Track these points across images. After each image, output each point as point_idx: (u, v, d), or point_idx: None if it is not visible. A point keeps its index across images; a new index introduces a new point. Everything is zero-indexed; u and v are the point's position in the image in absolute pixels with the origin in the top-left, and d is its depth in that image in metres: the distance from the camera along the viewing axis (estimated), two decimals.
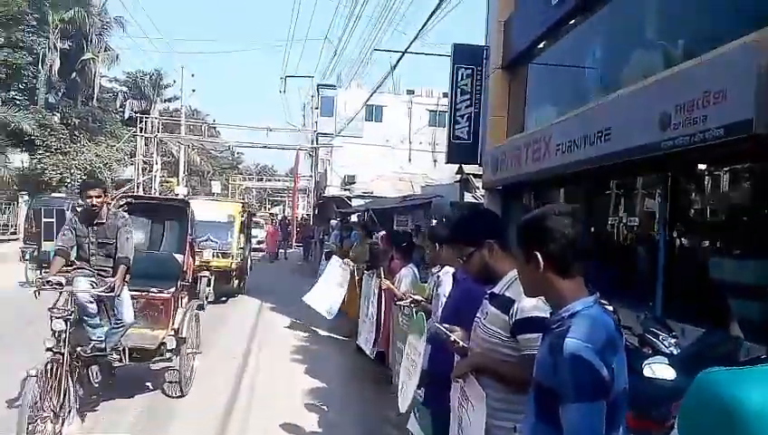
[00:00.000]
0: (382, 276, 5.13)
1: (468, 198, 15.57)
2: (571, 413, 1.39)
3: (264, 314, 11.02)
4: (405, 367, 2.97)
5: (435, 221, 14.83)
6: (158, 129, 30.41)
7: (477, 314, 2.20)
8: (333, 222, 16.37)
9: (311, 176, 33.50)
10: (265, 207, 65.43)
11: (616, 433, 1.46)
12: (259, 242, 23.24)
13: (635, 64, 7.54)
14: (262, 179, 67.75)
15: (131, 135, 29.42)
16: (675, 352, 3.64)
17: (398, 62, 14.37)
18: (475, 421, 1.97)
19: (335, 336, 8.71)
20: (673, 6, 7.19)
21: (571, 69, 9.52)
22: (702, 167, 6.51)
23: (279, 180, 66.14)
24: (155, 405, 5.35)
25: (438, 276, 3.11)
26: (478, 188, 15.71)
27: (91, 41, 29.17)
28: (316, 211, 31.29)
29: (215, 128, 38.83)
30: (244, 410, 5.38)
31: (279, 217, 40.30)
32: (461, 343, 2.17)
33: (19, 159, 25.37)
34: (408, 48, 12.52)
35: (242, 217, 12.90)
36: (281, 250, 24.92)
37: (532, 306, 1.98)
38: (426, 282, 4.36)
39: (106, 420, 4.85)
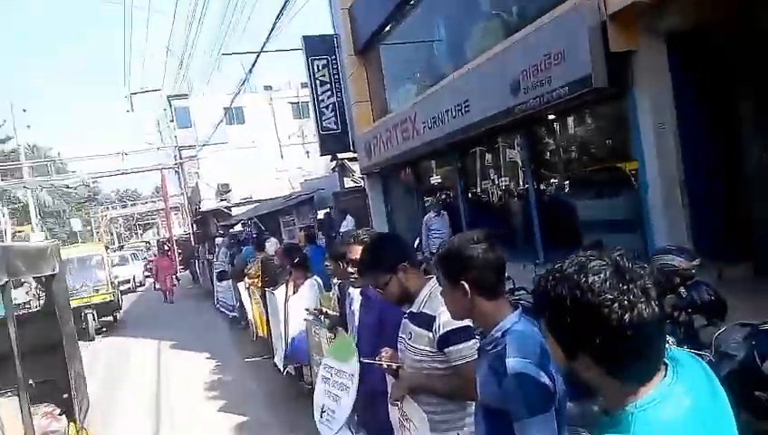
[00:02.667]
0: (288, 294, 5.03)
1: (348, 183, 15.67)
2: (527, 429, 1.45)
3: (169, 352, 10.39)
4: (326, 391, 2.94)
5: (323, 213, 14.83)
6: None
7: (400, 335, 2.25)
8: (219, 240, 15.70)
9: (181, 193, 31.80)
10: (137, 235, 61.33)
11: (565, 433, 1.55)
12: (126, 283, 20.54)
13: (478, 36, 7.96)
14: (126, 205, 63.18)
15: None
16: None
17: (253, 64, 13.96)
18: None
19: (249, 359, 8.44)
20: None
21: (422, 46, 9.83)
22: (549, 118, 7.04)
23: (146, 202, 62.08)
24: None
25: (349, 293, 3.11)
26: (355, 172, 15.88)
27: None
28: (194, 228, 29.82)
29: (62, 162, 35.38)
30: None
31: (156, 242, 37.89)
32: (393, 364, 2.21)
33: None
34: (262, 48, 12.18)
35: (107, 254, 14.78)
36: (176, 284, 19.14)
37: (452, 319, 2.05)
38: (329, 290, 4.35)
39: None
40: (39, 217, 33.05)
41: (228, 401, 6.69)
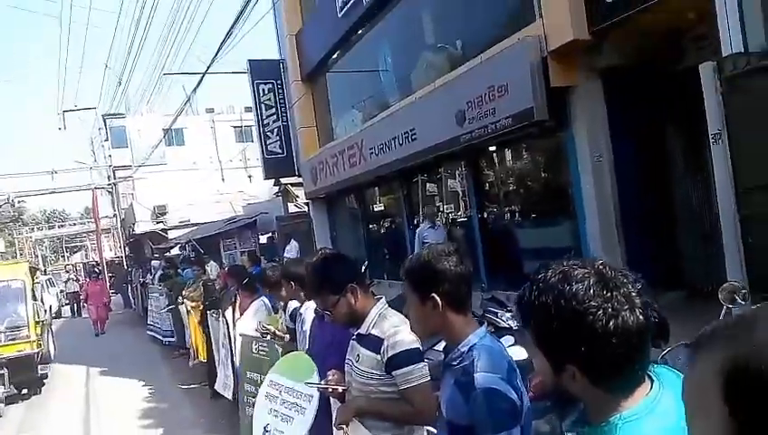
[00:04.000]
0: (230, 318, 4.88)
1: (292, 208, 15.53)
2: None
3: (99, 379, 9.80)
4: (272, 409, 2.81)
5: (266, 237, 14.57)
6: None
7: (348, 357, 2.22)
8: (155, 263, 15.11)
9: (114, 214, 30.47)
10: (64, 257, 58.09)
11: None
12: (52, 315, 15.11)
13: (423, 66, 8.18)
14: (53, 226, 59.85)
15: None
16: (514, 326, 4.04)
17: (197, 85, 13.80)
18: None
19: (183, 387, 8.09)
20: (444, 10, 7.90)
21: (368, 75, 9.98)
22: (492, 149, 7.29)
23: (75, 223, 59.07)
24: None
25: (300, 314, 3.06)
26: (299, 197, 15.77)
27: None
28: (127, 251, 28.57)
29: None
30: None
31: (83, 265, 35.96)
32: (339, 388, 2.18)
33: None
34: (207, 70, 12.01)
35: (32, 280, 9.89)
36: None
37: (401, 341, 2.06)
38: (277, 312, 4.27)
39: None
40: None
41: (164, 429, 6.38)
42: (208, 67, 12.58)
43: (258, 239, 15.17)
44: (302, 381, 2.60)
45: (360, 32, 9.59)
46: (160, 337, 11.13)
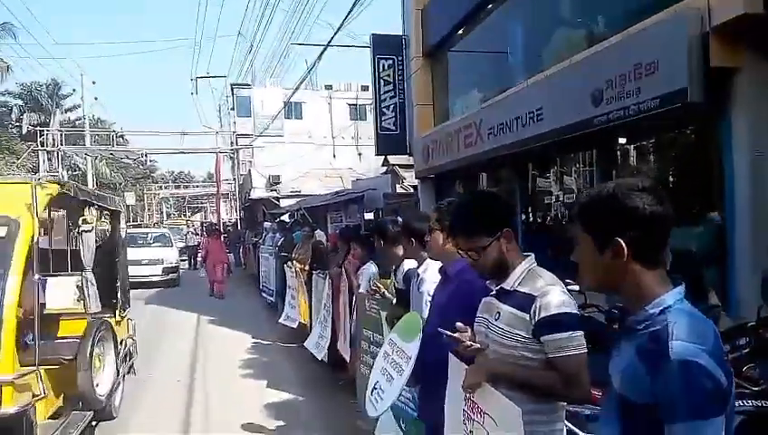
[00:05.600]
0: (349, 275, 4.84)
1: (398, 190, 15.50)
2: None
3: (204, 327, 10.43)
4: (381, 367, 2.69)
5: (371, 214, 14.69)
6: (61, 141, 28.25)
7: (480, 314, 2.00)
8: (267, 224, 15.80)
9: (233, 179, 32.37)
10: (185, 216, 62.92)
11: None
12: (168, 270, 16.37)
13: (558, 43, 7.67)
14: (179, 187, 64.94)
15: (31, 150, 27.16)
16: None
17: (319, 57, 14.06)
18: None
19: (283, 344, 8.35)
20: None
21: (493, 53, 9.58)
22: (623, 141, 6.69)
23: (198, 186, 63.66)
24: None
25: (418, 274, 2.90)
26: (405, 179, 15.71)
27: None
28: (242, 215, 30.26)
29: (123, 136, 36.60)
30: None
31: (203, 224, 38.58)
32: (475, 345, 1.95)
33: None
34: (329, 42, 12.19)
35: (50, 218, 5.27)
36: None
37: (559, 302, 1.79)
38: (388, 277, 4.16)
39: None
40: (96, 186, 34.24)
41: (262, 380, 6.60)
42: (331, 39, 12.80)
43: (364, 215, 15.32)
44: (409, 341, 2.45)
45: (489, 6, 9.19)
46: (267, 296, 11.61)
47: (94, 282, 4.51)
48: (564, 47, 7.30)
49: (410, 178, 14.50)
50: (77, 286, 4.15)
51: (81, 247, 4.65)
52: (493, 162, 8.98)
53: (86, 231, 4.62)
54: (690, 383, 1.15)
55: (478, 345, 1.91)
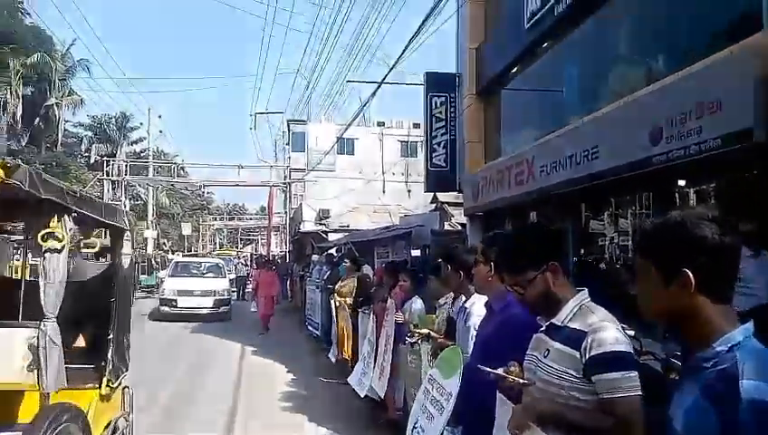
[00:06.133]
0: (393, 307, 4.75)
1: (446, 227, 15.39)
2: None
3: (248, 357, 10.49)
4: (424, 406, 2.60)
5: (418, 251, 14.61)
6: (126, 171, 29.72)
7: (531, 352, 1.89)
8: (315, 257, 15.97)
9: (285, 212, 33.07)
10: (236, 247, 64.51)
11: None
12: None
13: (615, 81, 7.53)
14: (233, 219, 66.82)
15: (97, 179, 28.66)
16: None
17: (373, 93, 14.34)
18: None
19: (325, 380, 8.26)
20: (646, 22, 7.23)
21: (547, 90, 9.51)
22: (682, 183, 6.42)
23: (251, 219, 65.35)
24: None
25: (465, 308, 2.81)
26: (453, 216, 15.59)
27: (55, 85, 28.60)
28: (290, 247, 30.76)
29: (183, 168, 38.21)
30: None
31: (252, 255, 39.36)
32: (521, 381, 1.85)
33: None
34: (384, 79, 12.44)
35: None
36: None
37: (613, 339, 1.67)
38: (434, 313, 4.07)
39: None
40: (155, 216, 35.67)
41: (303, 414, 6.53)
42: (385, 76, 13.07)
43: (411, 251, 15.24)
44: (449, 377, 2.36)
45: (545, 44, 9.16)
46: (313, 329, 11.60)
47: (58, 339, 2.88)
48: (622, 85, 7.15)
49: (459, 216, 14.38)
50: (29, 347, 2.76)
51: (42, 281, 2.87)
52: (544, 201, 8.78)
53: (52, 251, 2.86)
54: (764, 425, 1.04)
55: (524, 381, 1.80)
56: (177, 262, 19.35)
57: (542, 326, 1.89)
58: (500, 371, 1.89)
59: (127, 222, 4.15)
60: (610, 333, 1.69)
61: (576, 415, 1.70)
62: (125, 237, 4.03)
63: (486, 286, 2.40)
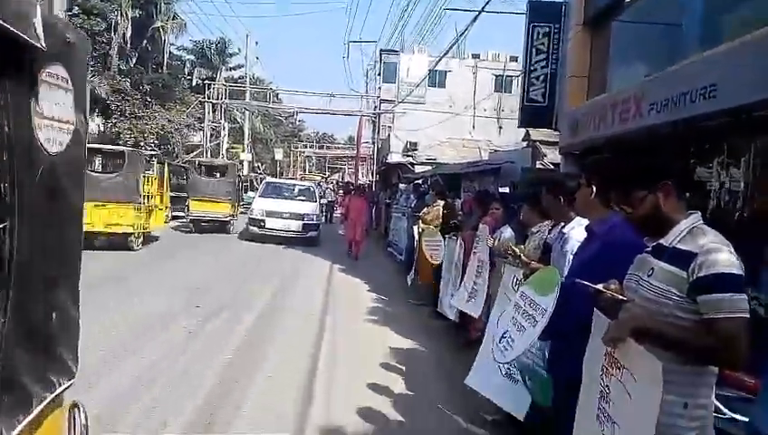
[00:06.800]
0: (489, 237, 4.82)
1: (537, 165, 14.99)
2: None
3: (336, 273, 11.08)
4: (514, 318, 2.68)
5: (506, 189, 14.41)
6: (225, 96, 30.95)
7: (633, 272, 1.92)
8: (402, 186, 16.16)
9: (372, 142, 33.37)
10: (324, 175, 66.21)
11: None
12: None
13: (743, 15, 6.84)
14: (322, 147, 68.32)
15: (199, 102, 30.09)
16: None
17: (472, 21, 13.83)
18: (641, 395, 1.66)
19: (410, 301, 8.63)
20: None
21: (664, 24, 8.78)
22: None
23: (338, 148, 66.45)
24: (235, 363, 5.40)
25: (564, 233, 2.84)
26: (546, 156, 15.09)
27: (160, 9, 29.78)
28: (377, 178, 31.21)
29: (277, 95, 39.18)
30: (328, 369, 5.37)
31: (338, 182, 40.35)
32: (620, 297, 1.88)
33: (95, 123, 26.51)
34: (484, 7, 11.94)
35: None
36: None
37: (725, 261, 1.66)
38: (523, 243, 4.10)
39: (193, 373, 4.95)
40: (250, 139, 37.19)
41: (386, 328, 6.92)
42: (486, 4, 12.53)
43: (498, 188, 15.06)
44: (544, 295, 2.43)
45: None
46: (396, 254, 11.98)
47: None
48: (750, 20, 6.48)
49: (551, 155, 13.92)
50: None
51: None
52: (648, 141, 8.33)
53: None
54: None
55: (623, 297, 1.85)
56: (269, 182, 19.04)
57: (647, 248, 1.90)
58: (600, 286, 1.93)
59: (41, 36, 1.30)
60: (723, 256, 1.67)
61: (676, 330, 1.71)
62: (43, 74, 1.27)
63: (589, 209, 2.41)
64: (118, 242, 11.83)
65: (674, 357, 1.70)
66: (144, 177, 12.65)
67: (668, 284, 1.75)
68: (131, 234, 12.01)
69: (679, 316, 1.72)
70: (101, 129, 26.73)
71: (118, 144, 22.22)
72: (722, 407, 2.26)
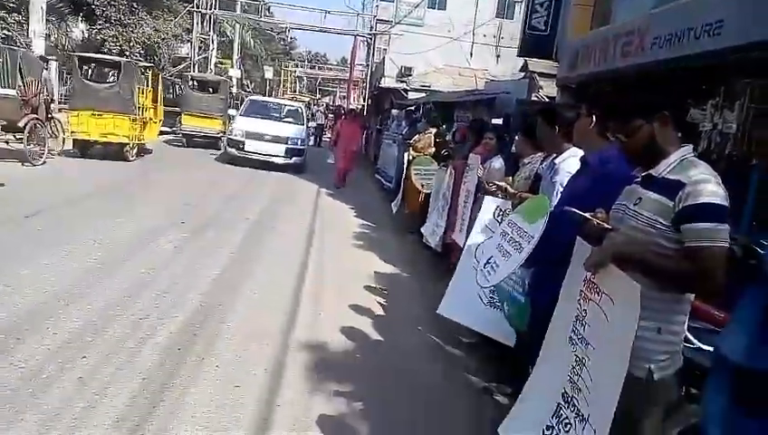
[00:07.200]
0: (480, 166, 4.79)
1: (533, 97, 14.75)
2: None
3: (324, 198, 11.09)
4: (500, 244, 2.71)
5: (500, 120, 14.24)
6: (215, 5, 29.61)
7: (620, 202, 1.93)
8: (395, 111, 15.87)
9: (366, 65, 32.47)
10: (314, 97, 64.91)
11: None
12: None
13: None
14: (314, 68, 66.45)
15: (187, 11, 28.79)
16: None
17: None
18: (619, 318, 1.73)
19: (396, 229, 8.71)
20: None
21: None
22: None
23: (331, 69, 64.73)
24: (223, 278, 5.47)
25: (555, 163, 2.82)
26: (543, 88, 14.82)
27: None
28: (369, 102, 30.63)
29: (269, 8, 37.52)
30: (314, 289, 5.46)
31: (328, 106, 39.56)
32: (605, 225, 1.91)
33: (79, 29, 25.37)
34: None
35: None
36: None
37: (710, 192, 1.68)
38: (514, 174, 4.09)
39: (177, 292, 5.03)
40: (239, 55, 35.99)
41: (372, 253, 7.02)
42: None
43: (492, 119, 14.87)
44: (532, 223, 2.45)
45: None
46: (384, 181, 11.95)
47: None
48: None
49: (548, 88, 13.68)
50: None
51: None
52: (648, 77, 8.18)
53: None
54: None
55: (608, 226, 1.87)
56: (253, 100, 17.24)
57: (637, 178, 1.90)
58: (587, 214, 1.95)
59: None
60: (710, 187, 1.69)
61: (656, 256, 1.76)
62: None
63: (587, 140, 2.39)
64: (114, 151, 12.09)
65: (653, 284, 1.74)
66: (139, 89, 12.80)
67: (655, 213, 1.78)
68: (126, 144, 12.18)
69: (663, 245, 1.76)
70: (85, 35, 25.60)
71: (103, 52, 21.39)
72: (692, 337, 2.34)
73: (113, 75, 13.80)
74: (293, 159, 14.16)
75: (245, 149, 13.94)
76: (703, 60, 6.46)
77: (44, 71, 11.44)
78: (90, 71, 13.50)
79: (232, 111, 17.91)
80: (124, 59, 14.84)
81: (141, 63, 15.50)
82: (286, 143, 14.08)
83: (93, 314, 4.17)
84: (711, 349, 2.43)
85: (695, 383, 2.43)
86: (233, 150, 14.13)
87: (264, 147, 13.90)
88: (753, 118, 6.69)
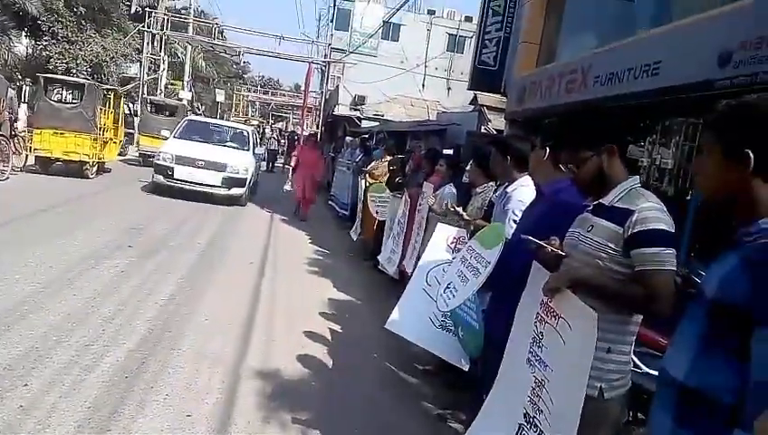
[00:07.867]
0: (431, 196, 4.91)
1: (482, 129, 15.22)
2: None
3: (277, 224, 10.98)
4: (459, 271, 2.78)
5: (451, 151, 14.58)
6: (166, 26, 29.23)
7: (573, 229, 2.04)
8: (349, 139, 16.00)
9: (320, 92, 32.67)
10: (268, 122, 64.54)
11: None
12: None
13: None
14: (267, 93, 66.23)
15: (138, 30, 28.29)
16: None
17: None
18: (576, 343, 1.80)
19: (351, 256, 8.71)
20: None
21: None
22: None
23: (284, 95, 64.68)
24: (172, 308, 5.32)
25: (506, 192, 2.95)
26: (491, 121, 15.34)
27: None
28: (323, 129, 30.76)
29: (222, 32, 37.34)
30: (267, 319, 5.38)
31: (281, 131, 39.46)
32: (559, 252, 2.01)
33: (23, 45, 24.46)
34: None
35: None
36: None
37: (655, 218, 1.81)
38: (466, 202, 4.21)
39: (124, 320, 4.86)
40: (190, 77, 35.51)
41: (327, 280, 6.98)
42: None
43: (443, 149, 15.21)
44: (489, 248, 2.54)
45: None
46: (338, 208, 11.95)
47: None
48: (698, 3, 6.73)
49: (496, 122, 14.18)
50: None
51: None
52: (589, 114, 8.61)
53: None
54: None
55: (563, 253, 1.97)
56: (192, 120, 15.10)
57: (589, 207, 2.02)
58: (542, 242, 2.05)
59: None
60: (656, 214, 1.82)
61: (608, 280, 1.86)
62: None
63: (540, 171, 2.51)
64: (74, 169, 12.60)
65: (605, 306, 1.84)
66: (101, 110, 13.53)
67: (606, 239, 1.88)
68: (87, 163, 12.64)
69: (614, 269, 1.87)
70: (30, 51, 24.68)
71: (48, 70, 20.67)
72: (639, 362, 2.47)
73: (71, 95, 14.54)
74: (232, 189, 11.96)
75: (174, 176, 11.67)
76: (641, 98, 6.88)
77: (9, 90, 12.09)
78: (56, 92, 14.10)
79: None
80: (89, 81, 15.21)
81: (104, 86, 15.86)
82: (224, 171, 11.85)
83: (35, 340, 3.98)
84: (657, 373, 2.56)
85: (641, 408, 2.55)
86: (159, 177, 11.80)
87: (197, 174, 11.67)
88: (687, 154, 7.16)
